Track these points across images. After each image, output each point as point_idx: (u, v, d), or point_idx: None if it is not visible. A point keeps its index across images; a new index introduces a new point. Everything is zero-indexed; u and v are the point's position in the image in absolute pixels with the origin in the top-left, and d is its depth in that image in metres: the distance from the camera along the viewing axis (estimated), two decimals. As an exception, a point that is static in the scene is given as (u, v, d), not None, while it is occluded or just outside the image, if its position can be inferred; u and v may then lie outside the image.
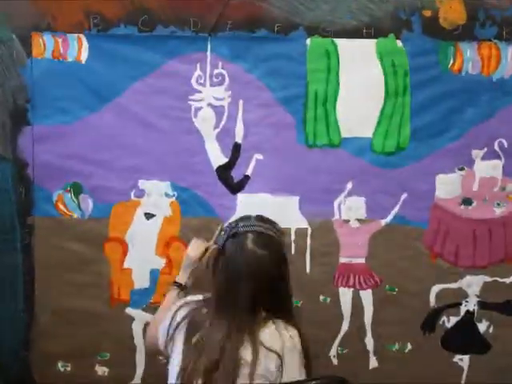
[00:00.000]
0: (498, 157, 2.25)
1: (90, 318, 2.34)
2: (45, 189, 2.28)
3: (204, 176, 2.28)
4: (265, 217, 1.81)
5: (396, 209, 2.27)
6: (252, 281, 1.67)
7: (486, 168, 2.26)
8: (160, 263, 2.32)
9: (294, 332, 1.70)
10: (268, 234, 1.75)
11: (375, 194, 2.27)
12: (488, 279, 2.33)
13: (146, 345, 2.09)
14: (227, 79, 2.23)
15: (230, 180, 2.28)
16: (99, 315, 2.34)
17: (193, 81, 2.23)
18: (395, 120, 2.23)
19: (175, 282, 2.02)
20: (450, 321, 2.36)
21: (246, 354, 1.63)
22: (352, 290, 2.33)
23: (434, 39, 2.17)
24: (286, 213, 2.28)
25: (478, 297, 2.34)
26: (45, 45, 2.20)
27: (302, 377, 1.68)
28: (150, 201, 2.29)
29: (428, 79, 2.19)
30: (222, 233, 1.80)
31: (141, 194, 2.29)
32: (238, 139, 2.26)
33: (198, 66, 2.22)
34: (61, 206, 2.29)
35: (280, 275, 1.72)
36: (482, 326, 2.36)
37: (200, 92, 2.24)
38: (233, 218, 2.27)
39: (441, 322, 2.36)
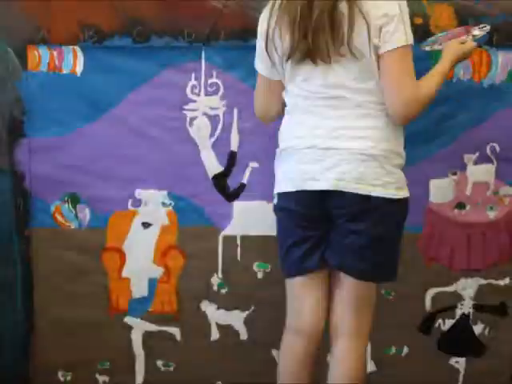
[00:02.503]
0: (490, 161, 2.28)
1: (89, 328, 2.36)
2: (42, 200, 2.29)
3: (200, 185, 2.29)
4: None
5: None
6: None
7: (479, 172, 2.28)
8: (158, 272, 2.34)
9: None
10: None
11: (370, 199, 2.29)
12: (483, 282, 2.35)
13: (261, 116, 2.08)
14: (222, 88, 2.25)
15: (226, 188, 2.30)
16: (98, 324, 2.36)
17: (188, 90, 2.25)
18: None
19: None
20: (445, 324, 2.38)
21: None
22: (349, 294, 2.35)
23: (426, 46, 2.19)
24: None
25: (473, 299, 2.36)
26: (40, 57, 2.21)
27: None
28: (147, 210, 2.31)
29: (420, 86, 2.21)
30: None
31: (138, 203, 2.31)
32: (234, 148, 2.28)
33: (193, 75, 2.24)
34: (58, 217, 2.31)
35: None
36: (478, 329, 2.38)
37: (195, 101, 2.26)
38: (229, 227, 2.31)
39: (437, 325, 2.38)
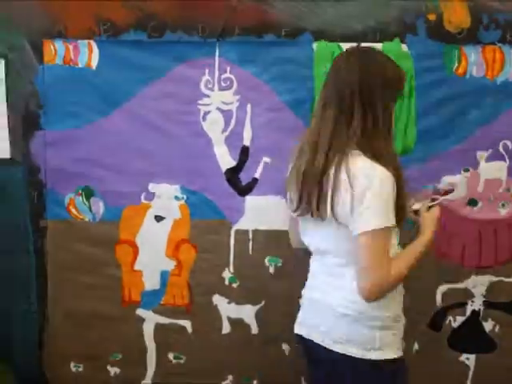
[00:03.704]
0: (502, 158, 2.28)
1: (101, 319, 2.39)
2: (57, 192, 2.32)
3: (213, 179, 2.31)
4: None
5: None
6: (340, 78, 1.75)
7: (491, 169, 2.28)
8: (170, 265, 2.36)
9: (384, 172, 1.66)
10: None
11: (382, 195, 2.30)
12: (494, 279, 2.35)
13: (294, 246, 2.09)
14: (235, 83, 2.26)
15: (239, 183, 2.32)
16: (110, 316, 2.38)
17: (201, 85, 2.27)
18: (401, 123, 2.24)
19: None
20: (456, 320, 2.38)
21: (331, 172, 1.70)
22: (359, 290, 2.36)
23: (439, 43, 2.19)
24: (294, 215, 2.32)
25: (483, 296, 2.36)
26: (56, 51, 2.24)
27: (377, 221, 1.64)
28: (160, 204, 2.33)
29: (433, 82, 2.21)
30: None
31: (151, 197, 2.33)
32: (247, 142, 2.29)
33: (207, 70, 2.26)
34: (72, 210, 2.33)
35: (371, 88, 1.72)
36: (488, 326, 2.38)
37: (208, 96, 2.27)
38: (241, 221, 2.33)
39: (447, 322, 2.38)
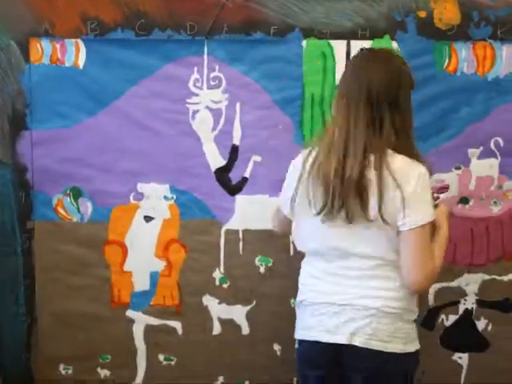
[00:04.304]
0: (494, 155, 2.27)
1: (90, 321, 2.36)
2: (44, 193, 2.30)
3: (202, 178, 2.29)
4: None
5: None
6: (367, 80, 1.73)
7: (483, 167, 2.27)
8: (160, 265, 2.34)
9: (423, 169, 1.75)
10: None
11: (373, 194, 2.28)
12: (486, 277, 2.34)
13: (277, 230, 2.11)
14: (224, 82, 2.25)
15: (229, 182, 2.30)
16: (100, 318, 2.36)
17: (190, 84, 2.25)
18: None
19: None
20: (448, 319, 2.37)
21: (371, 174, 1.71)
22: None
23: (429, 40, 2.18)
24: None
25: (476, 295, 2.35)
26: (42, 50, 2.22)
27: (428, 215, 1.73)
28: (149, 204, 2.31)
29: (423, 79, 2.19)
30: None
31: (140, 197, 2.31)
32: (236, 141, 2.27)
33: (195, 69, 2.24)
34: (60, 210, 2.31)
35: (396, 89, 1.75)
36: (481, 324, 2.37)
37: (197, 95, 2.26)
38: (231, 221, 2.31)
39: (440, 321, 2.37)
